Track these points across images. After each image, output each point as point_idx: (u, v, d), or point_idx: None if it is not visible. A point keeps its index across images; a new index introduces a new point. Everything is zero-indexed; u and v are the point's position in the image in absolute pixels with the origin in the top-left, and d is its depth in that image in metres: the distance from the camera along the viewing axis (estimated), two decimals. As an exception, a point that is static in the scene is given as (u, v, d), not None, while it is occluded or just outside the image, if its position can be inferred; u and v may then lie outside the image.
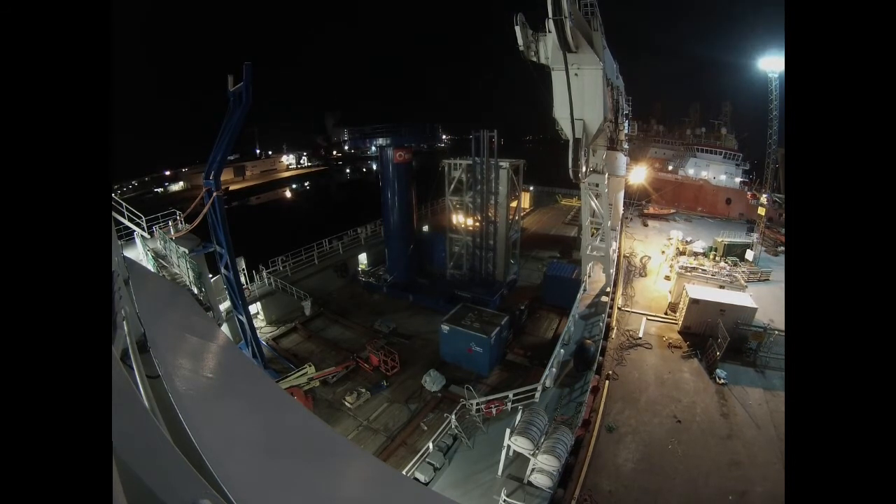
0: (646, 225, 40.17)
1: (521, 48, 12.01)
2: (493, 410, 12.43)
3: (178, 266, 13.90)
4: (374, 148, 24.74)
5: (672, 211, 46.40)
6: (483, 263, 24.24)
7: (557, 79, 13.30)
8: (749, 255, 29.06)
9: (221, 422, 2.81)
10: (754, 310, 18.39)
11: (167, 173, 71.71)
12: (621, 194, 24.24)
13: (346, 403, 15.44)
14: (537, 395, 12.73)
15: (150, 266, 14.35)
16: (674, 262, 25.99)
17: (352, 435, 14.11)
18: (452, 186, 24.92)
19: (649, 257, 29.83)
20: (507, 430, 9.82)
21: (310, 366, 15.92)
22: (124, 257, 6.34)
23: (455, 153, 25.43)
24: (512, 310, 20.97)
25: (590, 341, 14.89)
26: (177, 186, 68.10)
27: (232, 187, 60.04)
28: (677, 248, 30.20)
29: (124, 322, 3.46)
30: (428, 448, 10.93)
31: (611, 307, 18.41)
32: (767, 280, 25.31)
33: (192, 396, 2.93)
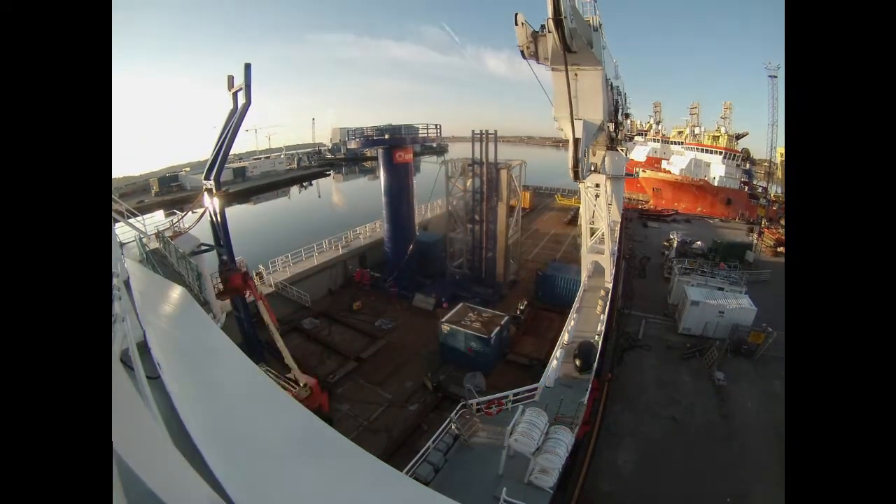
0: (645, 226, 40.20)
1: (521, 48, 11.99)
2: (494, 410, 12.42)
3: (178, 267, 13.87)
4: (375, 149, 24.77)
5: (672, 211, 46.44)
6: (483, 263, 24.25)
7: (557, 79, 13.31)
8: (749, 255, 29.10)
9: (221, 422, 2.80)
10: (753, 311, 18.40)
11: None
12: (621, 194, 24.22)
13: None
14: (537, 395, 12.72)
15: (150, 267, 14.33)
16: (673, 262, 26.02)
17: (352, 435, 14.10)
18: (453, 186, 24.96)
19: (649, 258, 29.85)
20: (507, 430, 9.81)
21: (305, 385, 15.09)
22: (124, 258, 6.35)
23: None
24: (512, 310, 20.99)
25: (589, 342, 14.88)
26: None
27: (232, 189, 59.89)
28: (677, 249, 30.24)
29: (124, 323, 3.46)
30: (428, 448, 10.92)
31: (610, 308, 18.40)
32: (766, 280, 25.34)
33: (191, 396, 2.93)
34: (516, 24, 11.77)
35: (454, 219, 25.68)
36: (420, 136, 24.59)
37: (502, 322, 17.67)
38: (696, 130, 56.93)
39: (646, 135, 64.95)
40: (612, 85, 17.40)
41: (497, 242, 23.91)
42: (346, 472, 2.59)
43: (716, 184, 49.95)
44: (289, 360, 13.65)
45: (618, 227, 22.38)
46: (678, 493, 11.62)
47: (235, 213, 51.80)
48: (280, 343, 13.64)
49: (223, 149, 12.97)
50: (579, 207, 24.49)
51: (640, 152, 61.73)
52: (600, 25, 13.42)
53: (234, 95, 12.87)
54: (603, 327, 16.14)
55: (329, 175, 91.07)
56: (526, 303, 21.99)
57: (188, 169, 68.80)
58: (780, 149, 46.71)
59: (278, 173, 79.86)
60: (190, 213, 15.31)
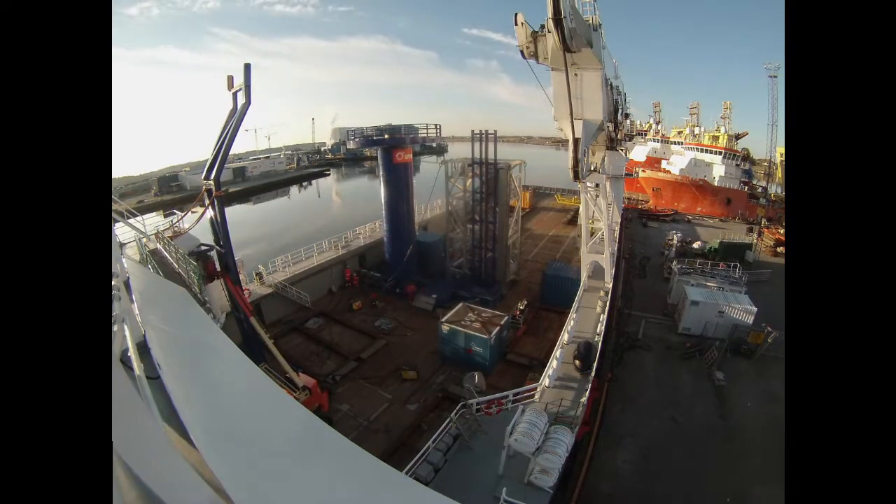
0: (645, 226, 40.23)
1: (521, 48, 11.99)
2: (494, 410, 12.42)
3: (178, 267, 13.87)
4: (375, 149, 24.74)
5: (672, 211, 46.46)
6: (483, 263, 24.26)
7: (557, 79, 13.31)
8: (749, 255, 29.13)
9: (221, 421, 2.80)
10: (753, 311, 18.41)
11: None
12: (621, 194, 24.24)
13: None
14: (537, 395, 12.73)
15: (150, 267, 14.34)
16: (673, 263, 26.04)
17: (352, 435, 14.09)
18: (453, 186, 24.96)
19: (648, 258, 29.87)
20: (507, 430, 9.81)
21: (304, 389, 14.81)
22: (124, 258, 6.34)
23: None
24: (512, 310, 21.00)
25: (589, 342, 14.89)
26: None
27: (232, 189, 59.87)
28: (676, 249, 30.27)
29: (124, 323, 3.45)
30: (428, 448, 10.92)
31: (610, 308, 18.42)
32: (766, 281, 25.36)
33: (191, 396, 2.92)
34: (516, 24, 11.77)
35: (454, 219, 25.67)
36: (420, 135, 24.58)
37: (502, 322, 17.68)
38: (696, 130, 56.88)
39: (646, 135, 64.93)
40: (611, 85, 17.40)
41: (497, 242, 23.92)
42: (345, 472, 2.59)
43: (716, 184, 49.89)
44: (280, 357, 13.78)
45: (618, 228, 22.39)
46: (678, 493, 11.62)
47: (236, 212, 51.80)
48: (264, 336, 13.81)
49: (223, 149, 12.95)
50: (579, 207, 24.50)
51: (639, 152, 61.70)
52: (600, 25, 13.42)
53: (234, 95, 12.87)
54: (603, 327, 16.15)
55: (329, 175, 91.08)
56: (526, 303, 22.00)
57: (188, 169, 68.81)
58: (780, 149, 46.68)
59: (278, 173, 79.82)
60: (190, 213, 15.31)
